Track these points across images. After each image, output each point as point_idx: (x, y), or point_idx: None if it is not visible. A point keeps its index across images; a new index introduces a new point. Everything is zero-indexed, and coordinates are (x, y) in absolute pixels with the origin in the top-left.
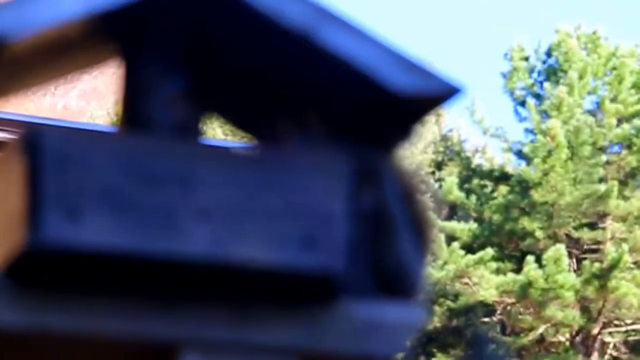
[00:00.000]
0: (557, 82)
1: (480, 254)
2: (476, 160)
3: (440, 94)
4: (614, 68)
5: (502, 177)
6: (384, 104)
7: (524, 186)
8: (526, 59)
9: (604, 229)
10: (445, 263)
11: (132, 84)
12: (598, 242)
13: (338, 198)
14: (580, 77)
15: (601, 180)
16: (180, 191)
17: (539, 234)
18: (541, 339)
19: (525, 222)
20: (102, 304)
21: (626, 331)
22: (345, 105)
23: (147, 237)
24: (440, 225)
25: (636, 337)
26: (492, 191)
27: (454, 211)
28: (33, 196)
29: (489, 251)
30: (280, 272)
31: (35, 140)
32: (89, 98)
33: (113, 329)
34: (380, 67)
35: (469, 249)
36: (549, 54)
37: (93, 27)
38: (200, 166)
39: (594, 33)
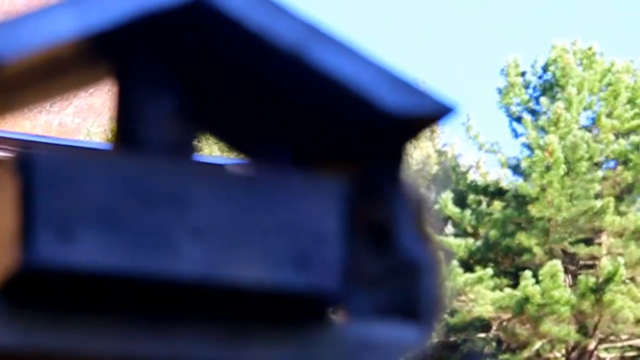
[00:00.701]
0: (553, 98)
1: (479, 273)
2: (471, 176)
3: (433, 112)
4: (610, 84)
5: (498, 193)
6: (375, 123)
7: (520, 202)
8: (522, 74)
9: (600, 244)
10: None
11: (125, 103)
12: (594, 258)
13: (333, 218)
14: (577, 93)
15: (597, 196)
16: (173, 211)
17: (535, 249)
18: (537, 355)
19: (522, 238)
20: (95, 324)
21: (622, 347)
22: (336, 124)
23: (140, 257)
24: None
25: (632, 353)
26: (488, 206)
27: (449, 226)
28: (25, 216)
29: (488, 270)
30: (273, 292)
31: (28, 160)
32: (85, 115)
33: (106, 348)
34: (372, 86)
35: (466, 264)
36: (544, 69)
37: (87, 47)
38: (194, 185)
39: (589, 49)
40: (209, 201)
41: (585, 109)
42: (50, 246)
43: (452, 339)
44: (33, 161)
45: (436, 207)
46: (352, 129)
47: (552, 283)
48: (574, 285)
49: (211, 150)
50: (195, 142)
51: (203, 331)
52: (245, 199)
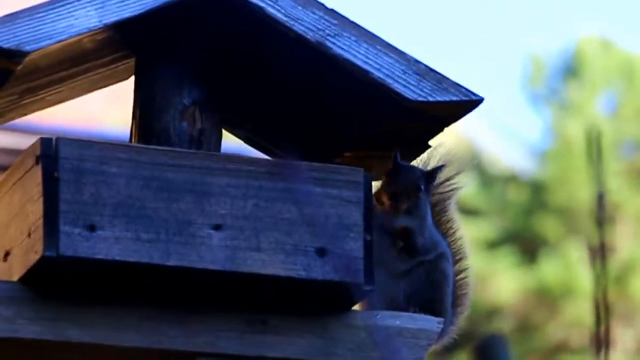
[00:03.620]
0: (574, 84)
1: (497, 256)
2: (492, 162)
3: (460, 106)
4: (630, 70)
5: (518, 178)
6: (401, 116)
7: (539, 187)
8: (544, 60)
9: (620, 229)
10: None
11: (147, 96)
12: (614, 243)
13: (355, 210)
14: (597, 79)
15: (617, 181)
16: (195, 203)
17: (555, 234)
18: (557, 340)
19: (542, 223)
20: (118, 316)
21: None
22: (361, 116)
23: (163, 249)
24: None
25: None
26: (508, 192)
27: (469, 213)
28: (49, 208)
29: (506, 253)
30: (295, 283)
31: (51, 151)
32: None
33: (129, 340)
34: (398, 79)
35: (485, 249)
36: (566, 55)
37: (108, 39)
38: (216, 178)
39: (611, 35)
40: (232, 193)
41: (606, 94)
42: (74, 239)
43: (469, 323)
44: (57, 152)
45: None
46: (378, 121)
47: (572, 268)
48: (594, 270)
49: (235, 142)
50: (217, 135)
51: (225, 323)
52: (267, 191)
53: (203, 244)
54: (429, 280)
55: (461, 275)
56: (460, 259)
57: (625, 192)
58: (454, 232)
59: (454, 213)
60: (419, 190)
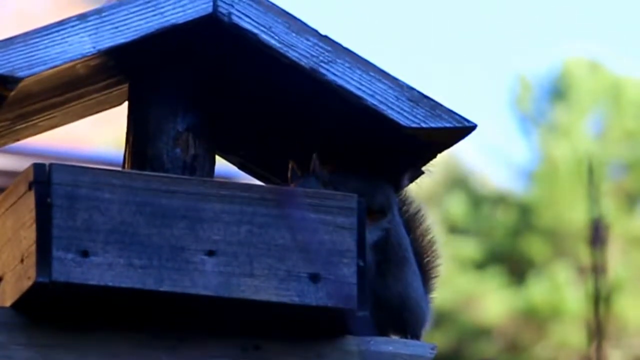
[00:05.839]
0: (561, 105)
1: (485, 276)
2: (479, 183)
3: (453, 132)
4: (618, 92)
5: (506, 199)
6: (395, 143)
7: (528, 208)
8: (531, 82)
9: (607, 251)
10: (448, 286)
11: (141, 122)
12: (601, 264)
13: (349, 236)
14: (584, 101)
15: (604, 203)
16: (189, 229)
17: (543, 255)
18: None
19: (530, 244)
20: (111, 342)
21: (631, 352)
22: (355, 142)
23: (156, 275)
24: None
25: None
26: (496, 213)
27: (456, 233)
28: (42, 234)
29: (494, 274)
30: (289, 309)
31: (45, 177)
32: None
33: None
34: (392, 105)
35: (473, 270)
36: (554, 76)
37: (102, 65)
38: (209, 204)
39: (598, 56)
40: (225, 219)
41: (592, 116)
42: (66, 263)
43: (457, 344)
44: (51, 178)
45: (444, 211)
46: (371, 147)
47: (560, 289)
48: (582, 291)
49: (227, 166)
50: (211, 161)
51: (218, 348)
52: (260, 217)
53: (196, 269)
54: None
55: (427, 237)
56: (421, 224)
57: (612, 214)
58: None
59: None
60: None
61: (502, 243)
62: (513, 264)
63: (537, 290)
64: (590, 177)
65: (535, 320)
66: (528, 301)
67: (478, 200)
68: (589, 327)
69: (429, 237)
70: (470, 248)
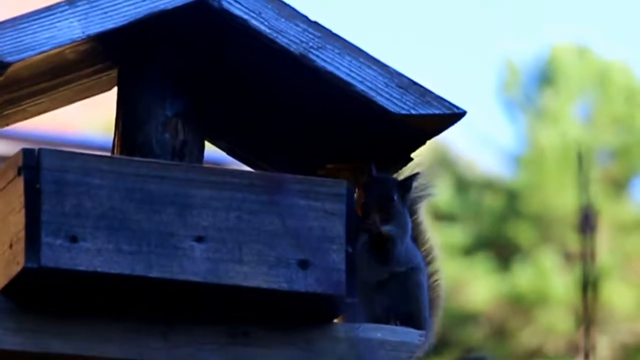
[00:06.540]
0: (549, 91)
1: (472, 262)
2: (467, 168)
3: (442, 119)
4: (606, 78)
5: (493, 185)
6: (384, 129)
7: (515, 194)
8: (519, 67)
9: (595, 237)
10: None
11: (130, 107)
12: (589, 250)
13: (338, 222)
14: (572, 86)
15: (592, 189)
16: (178, 215)
17: (530, 241)
18: (532, 347)
19: (517, 230)
20: (100, 328)
21: (618, 338)
22: (343, 129)
23: (145, 261)
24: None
25: (629, 342)
26: (483, 199)
27: (443, 218)
28: (31, 219)
29: (480, 259)
30: (278, 295)
31: (34, 162)
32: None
33: (110, 352)
34: (381, 92)
35: (459, 256)
36: (542, 62)
37: (90, 51)
38: (199, 190)
39: (586, 41)
40: (214, 205)
41: (580, 102)
42: (55, 248)
43: (443, 329)
44: (39, 164)
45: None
46: (360, 134)
47: (547, 275)
48: (569, 277)
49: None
50: (200, 146)
51: (207, 335)
52: (249, 203)
53: (185, 255)
54: (405, 293)
55: (433, 278)
56: (430, 262)
57: (600, 200)
58: (423, 235)
59: (423, 216)
60: (392, 201)
61: (489, 229)
62: (500, 250)
63: (523, 276)
64: (579, 164)
65: (522, 306)
66: (515, 287)
67: (465, 185)
68: (576, 313)
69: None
70: (456, 234)
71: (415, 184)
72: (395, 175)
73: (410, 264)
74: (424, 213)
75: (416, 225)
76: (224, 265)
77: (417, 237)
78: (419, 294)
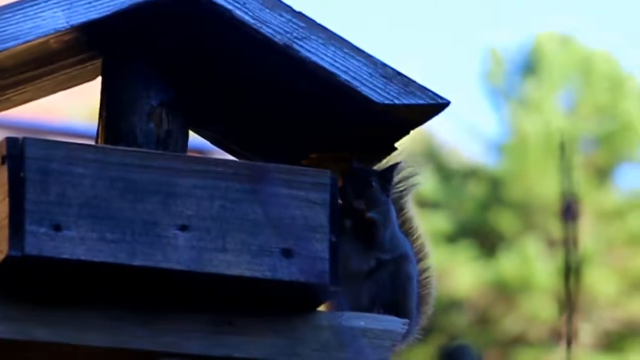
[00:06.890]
0: (533, 79)
1: (455, 250)
2: (450, 156)
3: (426, 109)
4: (589, 66)
5: (477, 173)
6: (368, 119)
7: (498, 182)
8: (502, 56)
9: (578, 224)
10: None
11: (114, 97)
12: (572, 237)
13: (322, 211)
14: (556, 75)
15: (574, 176)
16: (162, 204)
17: (513, 229)
18: (516, 333)
19: (500, 218)
20: (84, 316)
21: (601, 325)
22: (328, 119)
23: (128, 249)
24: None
25: (611, 329)
26: (466, 186)
27: (427, 206)
28: (15, 208)
29: (464, 246)
30: (261, 284)
31: (18, 151)
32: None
33: (94, 340)
34: (365, 82)
35: (443, 244)
36: (525, 50)
37: (75, 40)
38: (183, 179)
39: (570, 30)
40: (197, 194)
41: (563, 91)
42: (39, 237)
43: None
44: (23, 152)
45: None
46: (344, 124)
47: (530, 262)
48: (552, 263)
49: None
50: (184, 136)
51: (190, 323)
52: (233, 192)
53: (169, 244)
54: (392, 282)
55: (424, 275)
56: (422, 258)
57: (582, 188)
58: (414, 230)
59: (412, 211)
60: (370, 187)
61: (473, 216)
62: (483, 237)
63: (507, 264)
64: (562, 152)
65: (506, 293)
66: (498, 274)
67: (448, 173)
68: (559, 300)
69: (423, 252)
70: (440, 221)
71: (397, 176)
72: (377, 165)
73: (397, 251)
74: (412, 207)
75: (406, 221)
76: (208, 254)
77: (407, 233)
78: (407, 284)
